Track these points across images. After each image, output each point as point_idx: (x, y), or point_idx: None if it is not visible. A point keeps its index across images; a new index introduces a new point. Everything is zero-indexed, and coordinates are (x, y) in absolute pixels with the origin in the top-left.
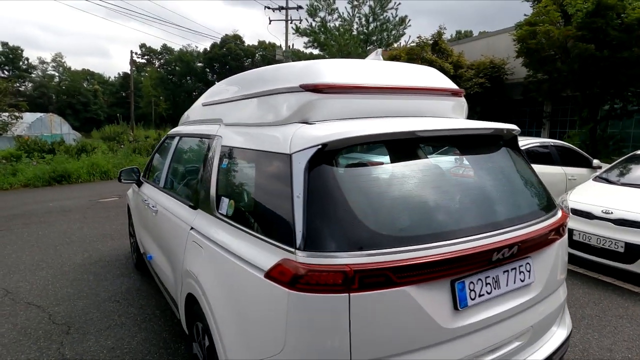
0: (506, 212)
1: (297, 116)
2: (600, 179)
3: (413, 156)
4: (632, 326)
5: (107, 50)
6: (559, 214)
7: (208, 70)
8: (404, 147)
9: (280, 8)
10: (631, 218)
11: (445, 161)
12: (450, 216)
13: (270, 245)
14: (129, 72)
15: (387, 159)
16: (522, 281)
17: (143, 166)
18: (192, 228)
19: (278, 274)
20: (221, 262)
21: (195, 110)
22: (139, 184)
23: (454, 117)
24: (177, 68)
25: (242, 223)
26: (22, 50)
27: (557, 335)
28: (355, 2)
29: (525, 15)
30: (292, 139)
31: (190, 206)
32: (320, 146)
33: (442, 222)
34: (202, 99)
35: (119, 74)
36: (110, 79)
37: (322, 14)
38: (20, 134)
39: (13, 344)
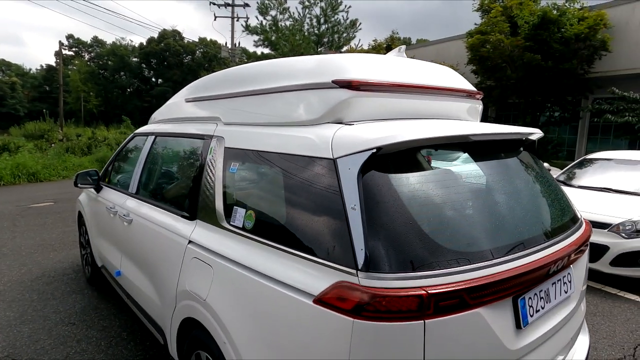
0: (551, 222)
1: (330, 116)
2: (557, 181)
3: (466, 162)
4: (607, 323)
5: (22, 39)
6: (584, 222)
7: (144, 65)
8: (453, 151)
9: (226, 5)
10: (592, 219)
11: (475, 168)
12: (510, 227)
13: (318, 264)
14: (53, 64)
15: (436, 165)
16: (566, 292)
17: (78, 167)
18: (190, 242)
19: (335, 300)
20: (244, 283)
21: (175, 107)
22: (98, 189)
23: (471, 120)
24: (109, 62)
25: (270, 238)
26: None
27: (583, 343)
28: (307, 3)
29: (475, 24)
30: (333, 141)
31: (184, 216)
32: (374, 150)
33: (504, 234)
34: (184, 94)
35: (41, 65)
36: (32, 71)
37: (273, 13)
38: None
39: None
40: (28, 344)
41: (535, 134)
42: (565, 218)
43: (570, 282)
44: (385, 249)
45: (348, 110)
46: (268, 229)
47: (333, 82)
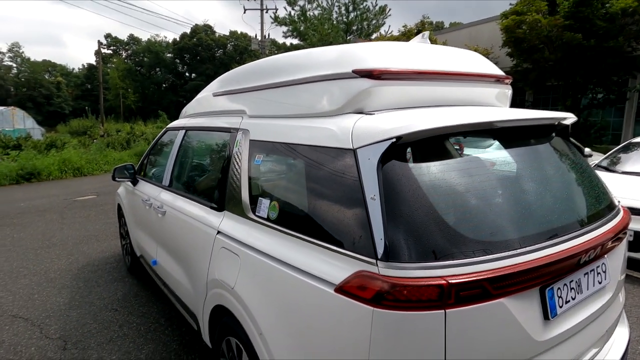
0: (583, 210)
1: (351, 106)
2: (599, 167)
3: (492, 149)
4: None
5: (63, 40)
6: (622, 210)
7: (178, 61)
8: (477, 139)
9: None
10: (636, 206)
11: (501, 155)
12: (537, 216)
13: (338, 254)
14: (94, 63)
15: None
16: (600, 283)
17: (118, 162)
18: (219, 232)
19: (356, 289)
20: (269, 272)
21: (204, 101)
22: (134, 182)
23: (500, 106)
24: (145, 59)
25: (292, 228)
26: None
27: (622, 336)
28: None
29: (510, 4)
30: (353, 132)
31: (212, 207)
32: (394, 140)
33: (530, 223)
34: (212, 88)
35: (83, 65)
36: (74, 71)
37: (301, 3)
38: None
39: None
40: (76, 327)
41: (569, 118)
42: (599, 205)
43: (605, 272)
44: (405, 239)
45: (369, 99)
46: (291, 219)
47: (353, 71)
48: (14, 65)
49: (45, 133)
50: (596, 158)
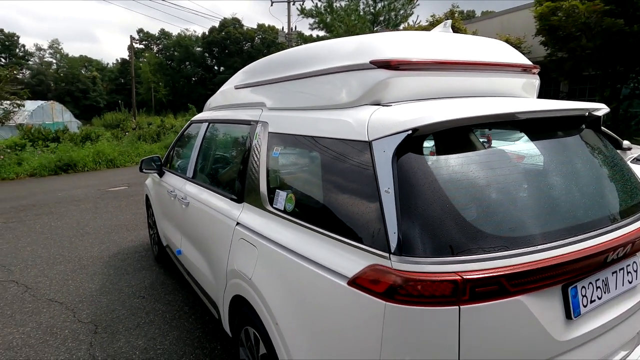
0: (614, 206)
1: (368, 97)
2: (639, 161)
3: (514, 141)
4: None
5: (97, 36)
6: None
7: (207, 54)
8: (504, 131)
9: None
10: None
11: (525, 147)
12: (561, 211)
13: (352, 247)
14: (127, 58)
15: (478, 145)
16: (630, 283)
17: (149, 154)
18: (238, 223)
19: (369, 283)
20: (284, 264)
21: (226, 94)
22: (161, 174)
23: (526, 96)
24: (175, 53)
25: (308, 220)
26: (18, 37)
27: None
28: None
29: None
30: (369, 124)
31: (232, 199)
32: (409, 132)
33: (552, 218)
34: (234, 81)
35: (117, 60)
36: (109, 66)
37: None
38: (22, 123)
39: (40, 344)
40: (106, 312)
41: (601, 109)
42: (632, 201)
43: (636, 271)
44: (419, 233)
45: (387, 91)
46: (306, 212)
47: (371, 62)
48: (54, 61)
49: (81, 126)
50: (636, 151)
